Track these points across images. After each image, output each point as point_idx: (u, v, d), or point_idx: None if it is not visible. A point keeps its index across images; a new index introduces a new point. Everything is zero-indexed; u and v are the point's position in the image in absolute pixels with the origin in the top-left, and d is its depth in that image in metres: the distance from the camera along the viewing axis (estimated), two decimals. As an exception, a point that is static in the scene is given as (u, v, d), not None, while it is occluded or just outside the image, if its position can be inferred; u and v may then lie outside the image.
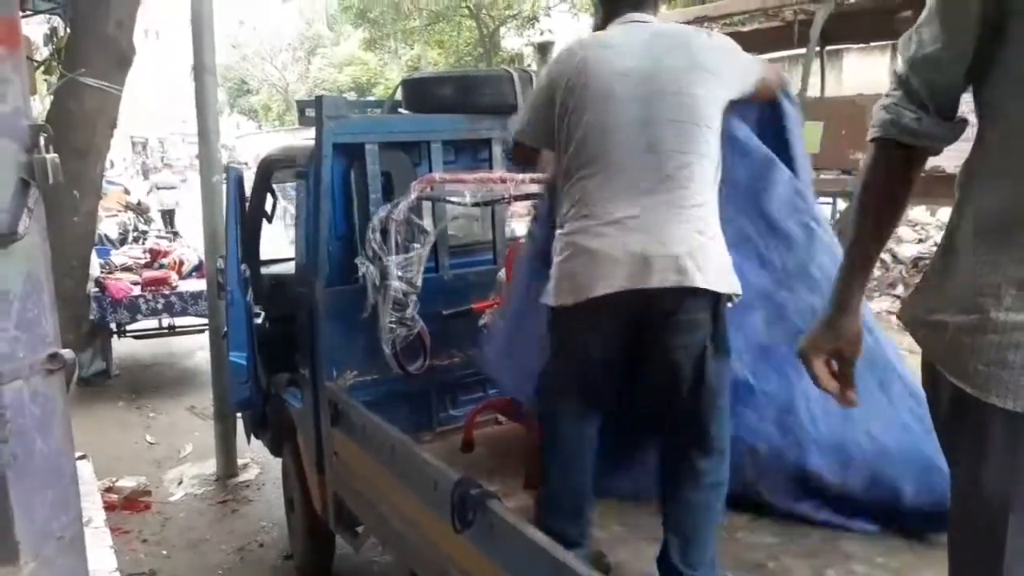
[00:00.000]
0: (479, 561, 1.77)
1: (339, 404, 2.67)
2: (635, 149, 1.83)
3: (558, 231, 1.93)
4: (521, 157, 2.31)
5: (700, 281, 1.78)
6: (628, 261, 1.78)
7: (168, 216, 14.44)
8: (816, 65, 10.32)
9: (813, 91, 9.94)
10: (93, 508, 2.13)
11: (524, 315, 2.23)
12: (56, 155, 1.10)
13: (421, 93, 3.12)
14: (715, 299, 1.83)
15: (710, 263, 1.80)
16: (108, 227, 8.01)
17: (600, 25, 2.05)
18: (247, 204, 3.68)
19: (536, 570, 1.56)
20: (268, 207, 3.67)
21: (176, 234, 8.56)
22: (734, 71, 1.97)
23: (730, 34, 11.66)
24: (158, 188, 15.79)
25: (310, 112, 2.84)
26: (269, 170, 3.55)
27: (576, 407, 1.93)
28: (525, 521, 1.74)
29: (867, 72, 11.92)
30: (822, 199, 11.10)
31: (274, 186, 3.64)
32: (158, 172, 19.02)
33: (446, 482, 1.85)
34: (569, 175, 1.91)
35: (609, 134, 1.85)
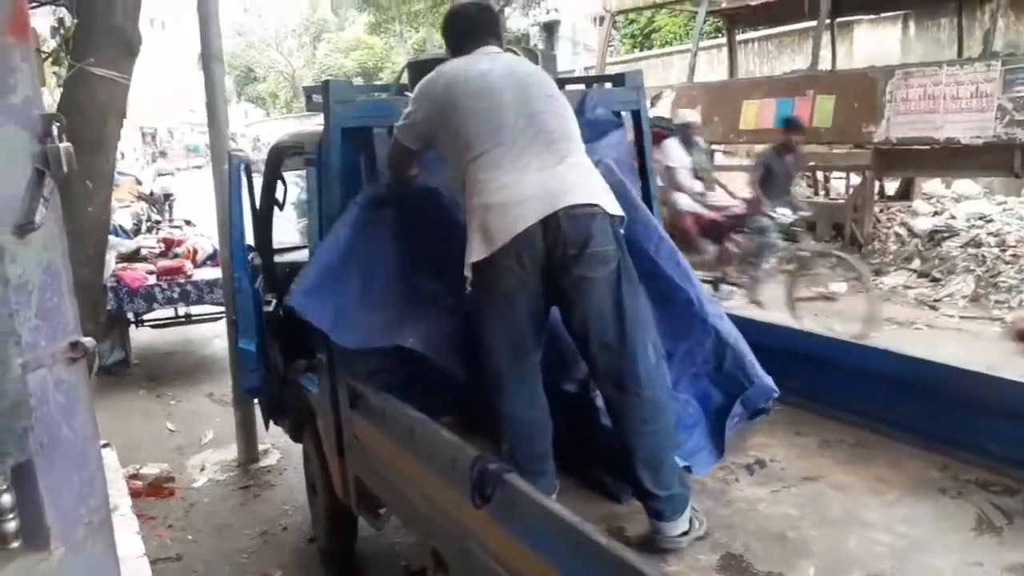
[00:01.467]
0: (500, 535, 1.78)
1: (357, 388, 2.68)
2: (519, 119, 2.15)
3: (470, 204, 2.16)
4: (398, 161, 2.54)
5: (603, 202, 2.09)
6: (535, 196, 2.05)
7: (167, 203, 14.39)
8: (826, 38, 10.20)
9: (824, 64, 9.80)
10: (119, 495, 2.16)
11: (333, 265, 2.60)
12: (69, 144, 1.10)
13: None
14: (615, 229, 2.08)
15: (605, 193, 2.15)
16: (122, 217, 8.04)
17: (454, 56, 2.38)
18: (258, 192, 3.68)
19: (556, 542, 1.57)
20: (279, 194, 3.67)
21: (189, 222, 8.57)
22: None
23: (740, 8, 11.53)
24: (159, 175, 15.83)
25: (317, 98, 2.82)
26: (279, 157, 3.55)
27: (518, 362, 2.14)
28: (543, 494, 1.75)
29: (878, 44, 11.72)
30: (836, 174, 10.83)
31: (283, 173, 3.64)
32: (155, 161, 19.16)
33: (465, 458, 1.86)
34: (468, 156, 2.16)
35: (495, 112, 2.15)
